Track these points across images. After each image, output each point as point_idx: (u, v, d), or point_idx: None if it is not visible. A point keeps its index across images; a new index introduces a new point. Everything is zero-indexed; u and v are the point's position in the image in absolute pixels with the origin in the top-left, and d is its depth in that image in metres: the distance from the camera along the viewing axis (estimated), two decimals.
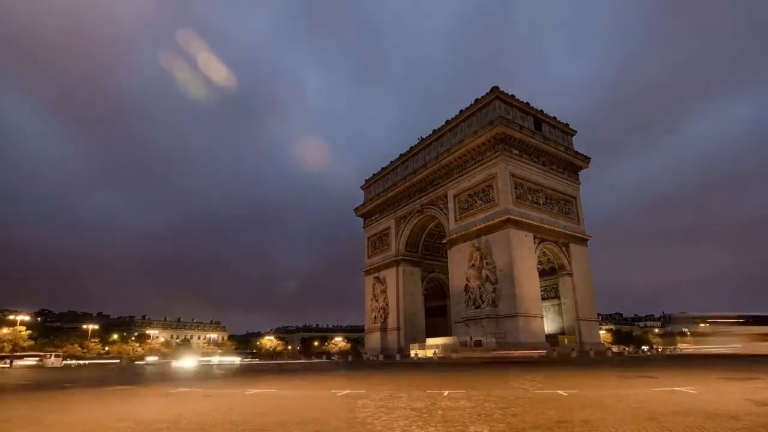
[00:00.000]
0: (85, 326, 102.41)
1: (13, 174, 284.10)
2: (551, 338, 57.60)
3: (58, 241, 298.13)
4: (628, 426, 7.21)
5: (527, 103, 65.61)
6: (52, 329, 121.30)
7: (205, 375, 32.04)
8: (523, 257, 56.56)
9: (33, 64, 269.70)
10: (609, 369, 26.89)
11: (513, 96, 64.30)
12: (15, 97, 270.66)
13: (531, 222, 58.72)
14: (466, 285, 60.04)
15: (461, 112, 68.04)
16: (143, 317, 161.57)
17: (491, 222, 58.22)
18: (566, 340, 58.36)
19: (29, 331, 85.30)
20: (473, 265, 59.22)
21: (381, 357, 70.08)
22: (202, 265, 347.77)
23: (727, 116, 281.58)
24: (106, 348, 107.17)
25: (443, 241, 68.23)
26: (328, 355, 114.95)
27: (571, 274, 62.05)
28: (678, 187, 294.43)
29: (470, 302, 59.02)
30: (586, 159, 69.47)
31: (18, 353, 69.55)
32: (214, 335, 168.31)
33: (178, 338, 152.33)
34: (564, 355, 49.83)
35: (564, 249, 62.60)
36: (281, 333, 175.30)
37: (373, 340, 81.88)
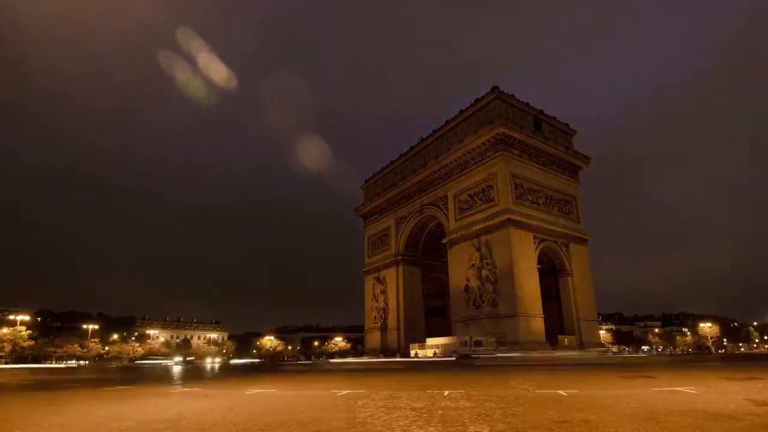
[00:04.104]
0: (85, 326, 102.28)
1: (14, 174, 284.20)
2: (551, 338, 57.54)
3: (59, 241, 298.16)
4: (628, 426, 7.19)
5: (527, 103, 65.59)
6: (52, 329, 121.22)
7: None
8: (523, 257, 56.53)
9: None
10: (609, 369, 26.88)
11: (513, 96, 64.26)
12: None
13: (531, 222, 58.69)
14: (466, 285, 60.02)
15: (461, 112, 68.00)
16: (143, 317, 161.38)
17: (491, 222, 58.18)
18: (566, 340, 58.30)
19: (29, 331, 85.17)
20: (473, 265, 59.20)
21: (381, 357, 70.06)
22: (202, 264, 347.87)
23: None
24: (107, 348, 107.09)
25: (443, 241, 68.18)
26: (329, 356, 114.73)
27: (571, 274, 62.03)
28: None
29: (470, 302, 59.01)
30: (586, 159, 69.44)
31: None
32: (214, 335, 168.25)
33: (178, 338, 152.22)
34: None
35: (564, 249, 62.58)
36: (281, 333, 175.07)
37: (373, 339, 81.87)
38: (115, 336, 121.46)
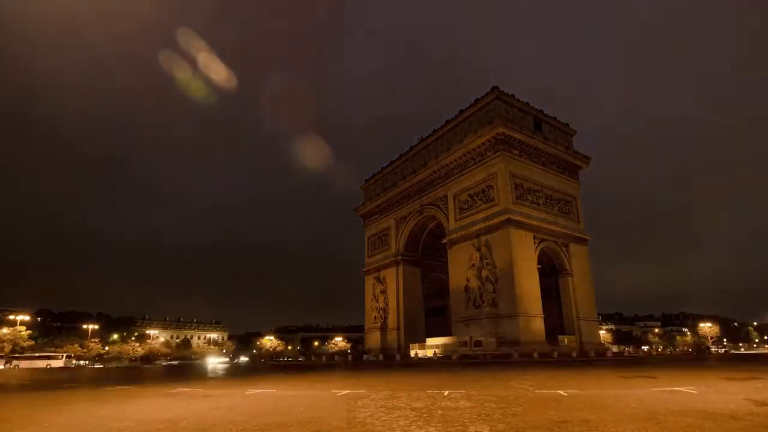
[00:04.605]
0: (85, 326, 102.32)
1: (15, 173, 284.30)
2: (551, 338, 57.51)
3: (60, 240, 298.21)
4: (628, 426, 7.21)
5: (527, 103, 65.55)
6: (52, 329, 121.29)
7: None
8: (523, 257, 56.50)
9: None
10: (609, 369, 26.87)
11: (513, 96, 64.21)
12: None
13: (531, 222, 58.66)
14: (466, 285, 59.98)
15: (461, 111, 67.97)
16: (143, 317, 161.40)
17: (491, 222, 58.16)
18: (566, 340, 58.27)
19: (29, 331, 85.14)
20: (473, 265, 59.16)
21: (381, 357, 70.01)
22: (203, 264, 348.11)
23: None
24: (106, 348, 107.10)
25: (443, 241, 68.12)
26: (330, 356, 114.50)
27: (571, 274, 61.99)
28: None
29: (470, 302, 58.97)
30: (586, 159, 69.43)
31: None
32: (214, 335, 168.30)
33: (177, 338, 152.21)
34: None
35: (564, 249, 62.53)
36: (281, 333, 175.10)
37: (373, 339, 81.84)
38: (115, 336, 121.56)
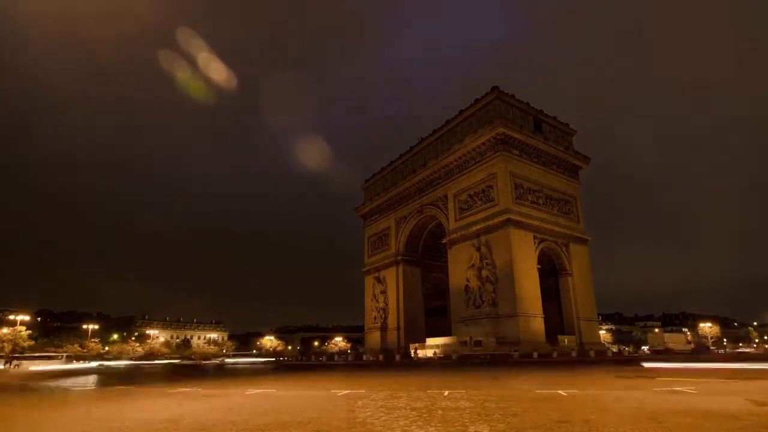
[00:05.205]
0: (85, 326, 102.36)
1: (13, 172, 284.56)
2: (551, 338, 57.54)
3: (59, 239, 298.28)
4: (628, 426, 7.20)
5: (527, 103, 65.53)
6: (52, 329, 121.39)
7: None
8: (523, 257, 56.50)
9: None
10: (609, 369, 26.89)
11: (513, 96, 64.20)
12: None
13: (531, 222, 58.66)
14: (466, 285, 59.99)
15: (461, 112, 67.94)
16: (143, 317, 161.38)
17: (491, 222, 58.16)
18: (566, 340, 58.26)
19: (29, 331, 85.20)
20: (473, 265, 59.17)
21: (381, 357, 70.01)
22: (203, 265, 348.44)
23: None
24: (107, 348, 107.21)
25: (443, 241, 68.10)
26: (330, 356, 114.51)
27: (571, 274, 61.97)
28: None
29: (470, 302, 58.98)
30: (586, 159, 69.43)
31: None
32: (214, 335, 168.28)
33: (178, 338, 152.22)
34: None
35: (564, 249, 62.52)
36: (281, 333, 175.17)
37: (373, 339, 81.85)
38: (115, 336, 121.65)
